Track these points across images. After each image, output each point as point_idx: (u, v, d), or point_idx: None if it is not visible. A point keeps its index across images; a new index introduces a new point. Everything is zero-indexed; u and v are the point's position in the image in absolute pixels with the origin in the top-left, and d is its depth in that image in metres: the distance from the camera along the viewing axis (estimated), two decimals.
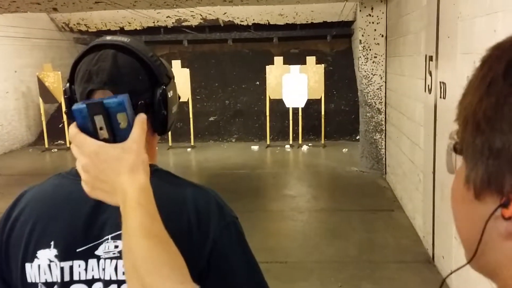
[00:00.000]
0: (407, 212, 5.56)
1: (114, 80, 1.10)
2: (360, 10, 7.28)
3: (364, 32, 7.23)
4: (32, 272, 1.09)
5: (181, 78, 9.17)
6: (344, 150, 9.17)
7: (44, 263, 1.08)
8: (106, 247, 1.06)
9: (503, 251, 0.52)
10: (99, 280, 1.06)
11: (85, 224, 1.09)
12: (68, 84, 1.17)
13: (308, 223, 5.63)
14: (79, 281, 1.07)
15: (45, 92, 9.79)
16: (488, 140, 0.51)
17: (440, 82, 3.97)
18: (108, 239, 1.07)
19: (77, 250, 1.07)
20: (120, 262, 1.04)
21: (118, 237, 1.04)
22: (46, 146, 10.01)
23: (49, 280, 1.08)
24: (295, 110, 9.61)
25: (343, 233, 5.17)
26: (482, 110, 0.52)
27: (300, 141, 9.69)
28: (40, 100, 9.95)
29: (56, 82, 9.74)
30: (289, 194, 6.68)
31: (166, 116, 1.17)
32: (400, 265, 4.43)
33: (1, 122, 9.85)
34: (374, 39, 7.19)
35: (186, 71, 9.46)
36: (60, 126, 10.41)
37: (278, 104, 9.67)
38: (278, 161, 8.75)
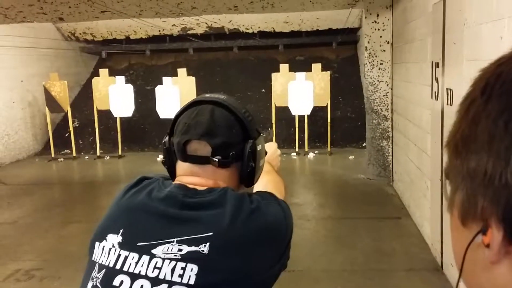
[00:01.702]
0: (415, 219, 5.52)
1: (210, 132, 1.25)
2: (365, 17, 7.27)
3: (370, 39, 7.21)
4: (97, 251, 1.20)
5: (187, 86, 9.19)
6: (350, 157, 9.13)
7: (107, 246, 1.18)
8: (168, 248, 1.13)
9: (489, 281, 0.49)
10: (144, 277, 1.11)
11: (154, 224, 1.19)
12: (167, 137, 1.34)
13: (315, 231, 5.60)
14: (126, 272, 1.13)
15: (51, 101, 9.83)
16: (465, 161, 0.49)
17: (447, 89, 3.95)
18: (173, 241, 1.13)
19: (138, 244, 1.16)
20: (179, 264, 1.10)
21: (185, 242, 1.13)
22: (53, 155, 10.04)
23: (104, 263, 1.17)
24: (301, 117, 9.60)
25: (351, 241, 5.14)
26: (460, 131, 0.51)
27: (306, 149, 9.66)
28: (47, 109, 9.98)
29: (62, 92, 9.78)
30: (296, 202, 6.65)
31: (254, 168, 1.31)
32: (408, 273, 4.39)
33: (8, 131, 9.89)
34: (380, 45, 7.18)
35: (192, 79, 9.47)
36: (66, 135, 10.44)
37: (284, 111, 9.65)
38: (284, 168, 8.65)
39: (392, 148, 7.26)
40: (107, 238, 1.20)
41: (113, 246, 1.17)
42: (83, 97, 11.53)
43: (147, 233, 1.17)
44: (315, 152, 9.64)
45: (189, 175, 1.28)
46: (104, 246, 1.19)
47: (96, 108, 9.88)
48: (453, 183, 0.53)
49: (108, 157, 9.89)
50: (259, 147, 1.33)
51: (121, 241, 1.17)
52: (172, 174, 1.35)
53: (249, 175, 1.32)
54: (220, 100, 1.30)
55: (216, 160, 1.25)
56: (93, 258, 1.20)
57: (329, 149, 9.58)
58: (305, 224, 5.75)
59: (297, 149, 9.69)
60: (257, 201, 1.24)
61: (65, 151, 10.39)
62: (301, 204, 6.57)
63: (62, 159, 9.99)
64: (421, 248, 4.83)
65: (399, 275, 4.37)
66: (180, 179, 1.30)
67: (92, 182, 8.12)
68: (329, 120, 9.49)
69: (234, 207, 1.17)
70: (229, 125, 1.27)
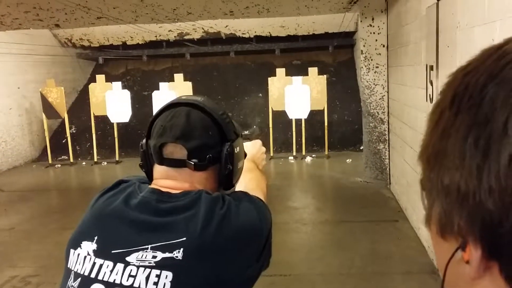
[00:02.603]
0: (412, 222, 5.53)
1: (186, 135, 1.23)
2: (361, 21, 7.29)
3: (365, 43, 7.23)
4: (72, 258, 1.19)
5: (184, 91, 9.17)
6: (348, 160, 9.14)
7: (83, 254, 1.17)
8: (142, 256, 1.11)
9: None
10: (119, 285, 1.10)
11: (128, 231, 1.17)
12: (144, 140, 1.32)
13: (312, 235, 5.60)
14: (101, 281, 1.12)
15: (48, 107, 9.82)
16: (439, 176, 0.48)
17: (440, 92, 3.95)
18: (147, 248, 1.12)
19: (112, 251, 1.14)
20: (154, 271, 1.09)
21: (159, 249, 1.11)
22: (50, 161, 10.03)
23: (79, 271, 1.16)
24: (298, 121, 9.60)
25: (348, 245, 5.14)
26: (432, 144, 0.50)
27: (303, 152, 9.66)
28: (44, 115, 9.98)
29: (59, 98, 9.78)
30: (293, 206, 6.66)
31: (231, 171, 1.29)
32: (405, 276, 4.39)
33: (5, 138, 9.88)
34: (376, 49, 7.20)
35: (189, 84, 9.49)
36: (63, 141, 10.44)
37: (281, 115, 9.67)
38: (282, 172, 8.73)
39: (388, 151, 7.27)
40: (81, 245, 1.18)
41: (88, 254, 1.16)
42: (80, 103, 11.53)
43: (121, 240, 1.15)
44: (313, 155, 9.64)
45: (165, 178, 1.27)
46: (79, 254, 1.18)
47: (93, 114, 9.88)
48: (429, 196, 0.52)
49: (105, 163, 9.89)
50: (237, 149, 1.30)
51: (95, 248, 1.16)
52: (150, 177, 1.33)
53: (227, 178, 1.30)
54: (196, 102, 1.28)
55: (192, 163, 1.23)
56: (68, 266, 1.19)
57: (326, 152, 9.59)
58: (302, 228, 5.75)
59: (294, 153, 9.70)
60: (229, 203, 1.22)
61: (63, 157, 10.38)
62: (298, 207, 6.57)
63: (59, 165, 9.98)
64: (418, 251, 4.83)
65: (396, 278, 4.37)
66: (156, 182, 1.28)
67: (90, 188, 8.11)
68: (326, 123, 9.50)
69: (207, 211, 1.16)
70: (205, 128, 1.25)
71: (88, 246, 1.17)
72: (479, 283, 0.47)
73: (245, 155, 1.42)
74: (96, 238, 1.17)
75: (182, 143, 1.22)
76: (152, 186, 1.27)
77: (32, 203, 7.19)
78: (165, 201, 1.19)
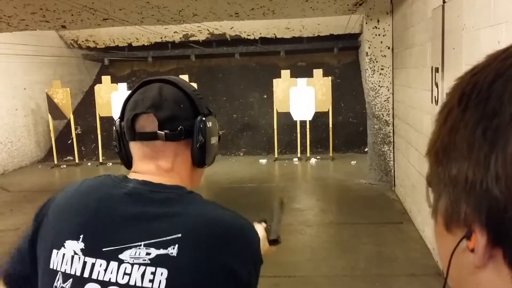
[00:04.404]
0: (417, 224, 5.52)
1: (157, 105, 1.21)
2: (366, 23, 7.29)
3: (370, 45, 7.23)
4: (56, 259, 1.14)
5: None
6: (352, 162, 9.14)
7: (69, 254, 1.13)
8: (135, 253, 1.09)
9: (475, 285, 0.50)
10: (115, 284, 1.08)
11: (119, 226, 1.13)
12: (118, 120, 1.30)
13: (316, 237, 5.60)
14: (96, 280, 1.09)
15: (54, 108, 9.87)
16: (446, 169, 0.51)
17: (446, 94, 3.94)
18: (140, 245, 1.09)
19: (103, 249, 1.11)
20: (149, 269, 1.07)
21: (152, 245, 1.09)
22: (55, 162, 10.07)
23: (68, 271, 1.12)
24: (303, 123, 9.61)
25: (352, 247, 5.14)
26: (440, 140, 0.53)
27: (308, 154, 9.67)
28: (49, 116, 10.03)
29: (65, 99, 9.82)
30: (298, 207, 6.65)
31: (204, 144, 1.25)
32: (409, 278, 4.39)
33: (11, 138, 9.93)
34: (381, 51, 7.19)
35: (194, 85, 9.49)
36: (69, 142, 10.47)
37: (285, 117, 9.68)
38: (286, 174, 8.74)
39: (393, 153, 7.26)
40: (65, 244, 1.14)
41: (76, 253, 1.12)
42: (86, 104, 11.57)
43: (111, 237, 1.12)
44: (317, 157, 9.64)
45: (142, 160, 1.24)
46: (64, 254, 1.13)
47: (99, 115, 9.92)
48: (435, 190, 0.54)
49: (110, 164, 9.92)
50: (209, 124, 1.27)
51: (83, 247, 1.12)
52: (125, 161, 1.30)
53: (200, 152, 1.26)
54: (168, 78, 1.28)
55: (163, 133, 1.20)
56: (51, 267, 1.15)
57: (331, 154, 9.59)
58: (307, 229, 5.75)
59: (299, 155, 9.70)
60: (222, 206, 1.20)
61: (68, 158, 10.42)
62: (303, 209, 6.57)
63: (64, 166, 10.02)
64: (422, 253, 4.83)
65: (401, 280, 4.37)
66: (136, 168, 1.24)
67: None
68: (330, 125, 9.50)
69: (200, 207, 1.15)
70: (177, 100, 1.23)
71: (74, 245, 1.13)
72: (482, 271, 0.49)
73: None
74: (82, 236, 1.13)
75: (153, 112, 1.20)
76: (137, 177, 1.22)
77: (38, 204, 7.09)
78: (159, 191, 1.17)
